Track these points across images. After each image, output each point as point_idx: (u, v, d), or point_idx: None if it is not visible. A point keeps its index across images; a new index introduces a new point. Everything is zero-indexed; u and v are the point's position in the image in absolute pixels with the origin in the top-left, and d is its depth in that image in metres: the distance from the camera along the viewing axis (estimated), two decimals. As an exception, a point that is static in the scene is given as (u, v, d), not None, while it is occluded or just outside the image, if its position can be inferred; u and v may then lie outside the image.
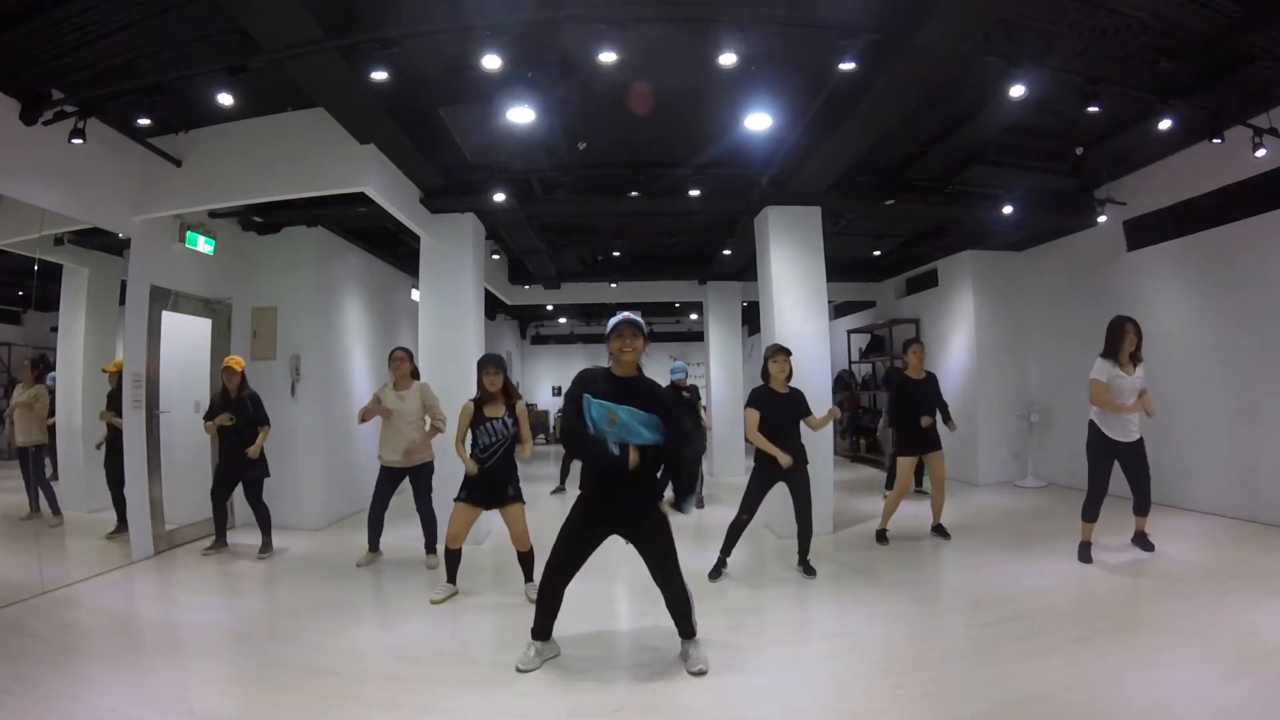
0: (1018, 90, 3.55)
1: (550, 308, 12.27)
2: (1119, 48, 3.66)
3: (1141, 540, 4.26)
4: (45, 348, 4.79)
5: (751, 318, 9.55)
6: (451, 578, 3.82)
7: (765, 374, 4.17)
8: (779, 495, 4.22)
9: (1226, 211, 5.08)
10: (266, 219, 5.75)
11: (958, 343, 7.78)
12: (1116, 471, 4.08)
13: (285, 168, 4.48)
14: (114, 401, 4.66)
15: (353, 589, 4.09)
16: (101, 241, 4.66)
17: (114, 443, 4.64)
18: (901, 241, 8.25)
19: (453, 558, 3.80)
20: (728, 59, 3.19)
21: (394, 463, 4.43)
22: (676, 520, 2.86)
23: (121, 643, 3.23)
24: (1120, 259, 6.13)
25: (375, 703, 2.57)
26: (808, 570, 4.11)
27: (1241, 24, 3.54)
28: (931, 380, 4.98)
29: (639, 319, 2.75)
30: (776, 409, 4.02)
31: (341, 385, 6.41)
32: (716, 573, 4.08)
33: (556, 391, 15.07)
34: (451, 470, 4.09)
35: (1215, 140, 4.36)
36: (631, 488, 2.73)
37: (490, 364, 3.67)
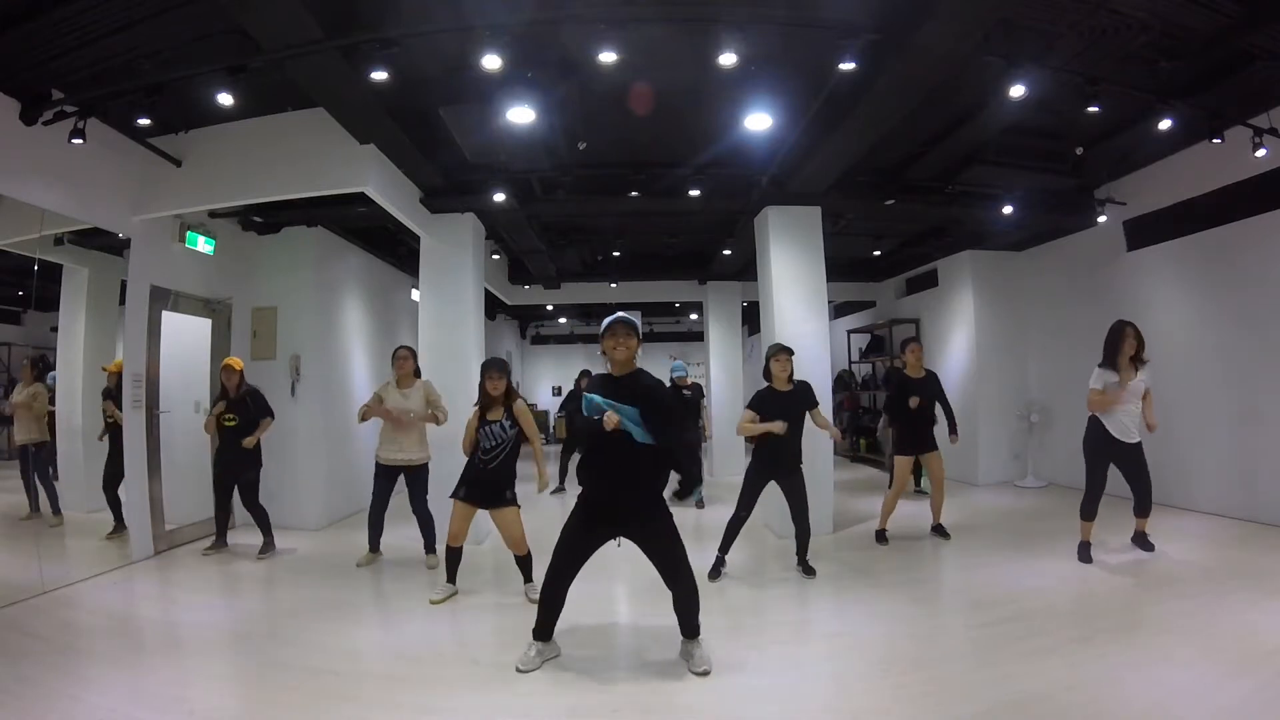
0: (1018, 90, 3.56)
1: (550, 308, 12.28)
2: (1119, 48, 3.66)
3: (1141, 540, 4.26)
4: (45, 348, 4.79)
5: (751, 318, 9.55)
6: (451, 577, 3.82)
7: (767, 373, 4.17)
8: (779, 495, 4.22)
9: (1226, 211, 5.08)
10: (266, 219, 5.75)
11: (958, 343, 7.77)
12: (1115, 470, 4.08)
13: (285, 168, 4.48)
14: (111, 398, 4.66)
15: (353, 589, 4.09)
16: (101, 241, 4.66)
17: (113, 441, 4.64)
18: (901, 241, 8.24)
19: (453, 556, 3.80)
20: (728, 59, 3.19)
21: (392, 460, 4.44)
22: (676, 519, 2.87)
23: (121, 643, 3.23)
24: (1120, 259, 6.13)
25: (375, 703, 2.57)
26: (807, 570, 4.11)
27: (1241, 24, 3.54)
28: (931, 378, 4.97)
29: (632, 318, 2.78)
30: (778, 409, 4.01)
31: (341, 385, 6.41)
32: (716, 572, 4.08)
33: (556, 391, 15.07)
34: (449, 470, 4.09)
35: (1215, 140, 4.36)
36: (630, 487, 2.74)
37: (494, 368, 3.67)
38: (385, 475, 4.47)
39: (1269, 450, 4.80)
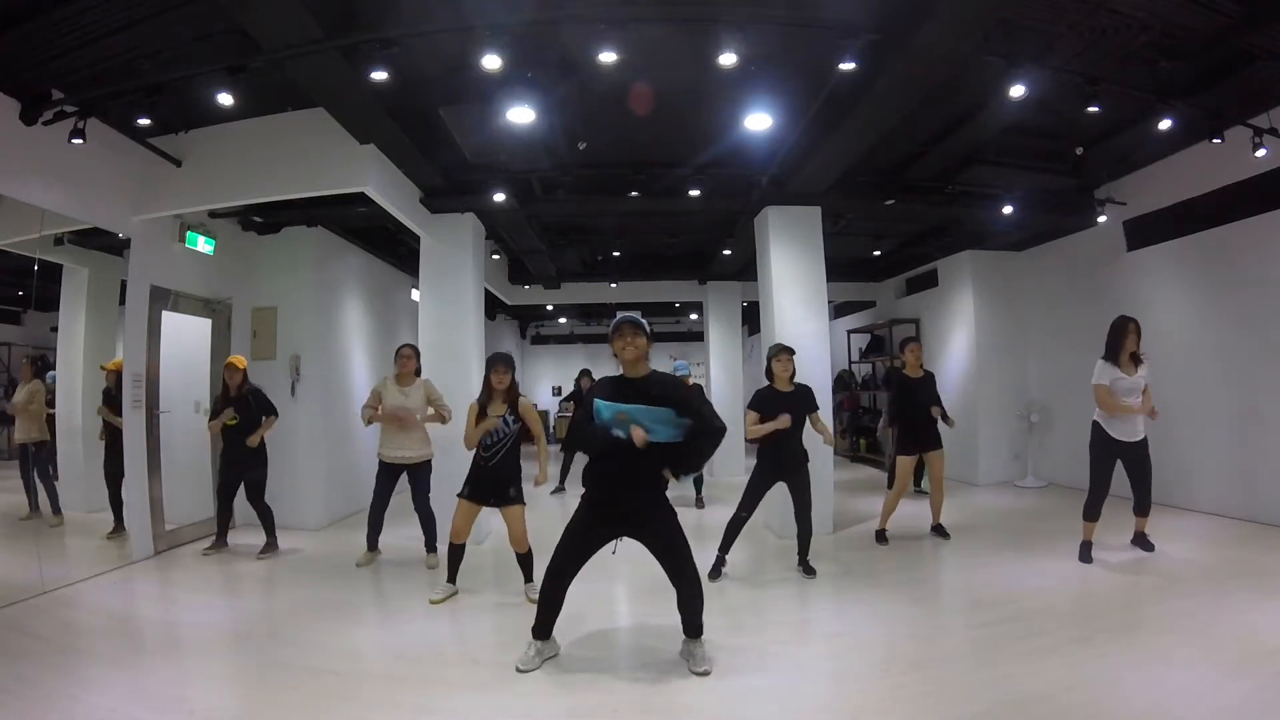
0: (1018, 90, 3.55)
1: (550, 308, 12.27)
2: (1119, 48, 3.66)
3: (1142, 540, 4.26)
4: (45, 348, 4.79)
5: (751, 318, 9.55)
6: (452, 576, 3.82)
7: (769, 373, 4.17)
8: (779, 495, 4.22)
9: (1226, 211, 5.08)
10: (266, 219, 5.75)
11: (958, 343, 7.77)
12: (1118, 472, 4.08)
13: (285, 168, 4.48)
14: (110, 399, 4.65)
15: (353, 589, 4.09)
16: (101, 241, 4.66)
17: (113, 442, 4.64)
18: (901, 241, 8.24)
19: (455, 554, 3.80)
20: (728, 59, 3.19)
21: (394, 458, 4.43)
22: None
23: (121, 643, 3.22)
24: (1120, 259, 6.13)
25: (375, 703, 2.57)
26: (808, 570, 4.11)
27: (1241, 24, 3.54)
28: (929, 378, 4.98)
29: (640, 318, 2.77)
30: (779, 409, 4.01)
31: (341, 385, 6.41)
32: (716, 572, 4.08)
33: (556, 391, 15.08)
34: (451, 469, 4.09)
35: (1215, 140, 4.36)
36: (633, 486, 2.74)
37: (500, 362, 3.66)
38: (387, 474, 4.46)
39: (1269, 450, 4.80)
